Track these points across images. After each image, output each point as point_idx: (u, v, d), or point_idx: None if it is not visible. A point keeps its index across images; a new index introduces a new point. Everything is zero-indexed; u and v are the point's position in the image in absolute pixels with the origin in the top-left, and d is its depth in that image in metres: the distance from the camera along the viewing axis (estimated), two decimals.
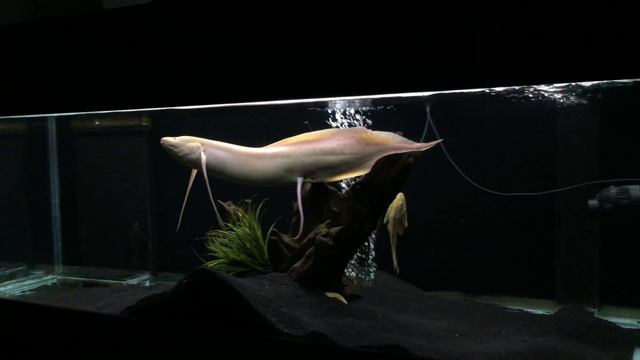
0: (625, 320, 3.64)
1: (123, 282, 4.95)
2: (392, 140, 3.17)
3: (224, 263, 3.56)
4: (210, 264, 3.55)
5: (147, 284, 5.14)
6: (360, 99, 3.94)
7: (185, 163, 3.32)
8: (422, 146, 3.14)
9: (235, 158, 3.26)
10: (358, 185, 3.28)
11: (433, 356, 2.65)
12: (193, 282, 3.01)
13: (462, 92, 3.64)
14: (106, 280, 4.99)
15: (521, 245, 4.13)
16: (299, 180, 3.22)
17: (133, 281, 5.05)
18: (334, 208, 3.27)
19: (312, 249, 3.42)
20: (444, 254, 4.38)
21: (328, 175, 3.24)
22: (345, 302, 3.44)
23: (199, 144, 3.26)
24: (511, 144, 4.11)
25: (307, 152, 3.20)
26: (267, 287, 3.34)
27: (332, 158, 3.19)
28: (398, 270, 4.30)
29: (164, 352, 2.99)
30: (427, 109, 4.03)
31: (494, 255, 4.21)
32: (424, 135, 4.03)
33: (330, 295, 3.42)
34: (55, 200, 5.58)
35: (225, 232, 3.56)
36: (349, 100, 3.99)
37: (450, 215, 4.33)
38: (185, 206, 3.50)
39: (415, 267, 4.40)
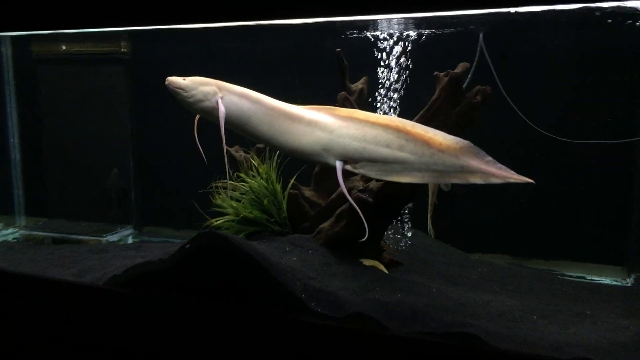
0: None
1: (101, 238, 4.21)
2: (470, 153, 2.29)
3: (233, 221, 2.88)
4: (217, 222, 2.88)
5: (130, 240, 4.46)
6: (401, 20, 3.18)
7: (195, 111, 2.56)
8: (515, 178, 2.24)
9: (264, 113, 2.48)
10: None
11: (518, 348, 2.02)
12: (198, 248, 2.35)
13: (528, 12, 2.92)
14: (80, 237, 4.21)
15: (584, 202, 3.48)
16: (338, 165, 2.44)
17: (113, 237, 4.30)
18: None
19: (345, 206, 2.75)
20: (489, 211, 3.73)
21: (374, 171, 2.44)
22: (386, 271, 2.80)
23: (215, 89, 2.48)
24: (583, 83, 3.39)
25: (356, 134, 2.42)
26: (289, 252, 2.68)
27: (384, 151, 2.39)
28: (433, 234, 3.62)
29: (161, 333, 2.35)
30: (480, 36, 3.29)
31: (549, 213, 3.57)
32: (472, 68, 3.29)
33: (368, 263, 2.78)
34: (14, 140, 4.76)
35: (235, 183, 2.86)
36: (387, 23, 3.23)
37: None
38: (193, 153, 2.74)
39: (453, 225, 3.76)
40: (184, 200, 4.48)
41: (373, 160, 2.41)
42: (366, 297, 2.43)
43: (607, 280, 3.36)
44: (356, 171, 2.45)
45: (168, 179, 4.63)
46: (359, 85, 3.16)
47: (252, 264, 2.30)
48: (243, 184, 2.86)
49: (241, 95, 2.49)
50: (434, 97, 2.50)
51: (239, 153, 3.15)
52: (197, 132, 2.59)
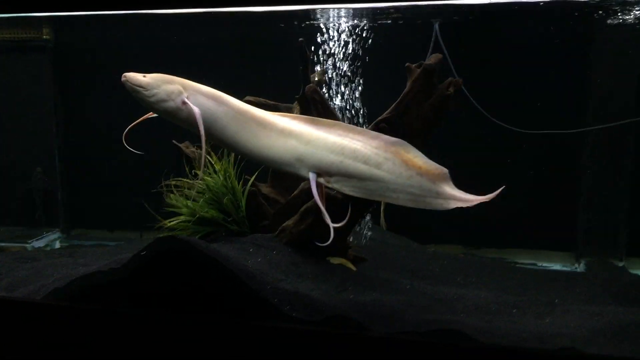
0: None
1: (26, 244, 3.88)
2: (447, 180, 2.22)
3: (188, 221, 2.67)
4: (171, 223, 2.64)
5: (58, 244, 4.14)
6: (357, 9, 3.08)
7: (156, 112, 2.30)
8: (486, 198, 2.20)
9: (231, 116, 2.26)
10: (383, 123, 2.44)
11: (504, 342, 1.98)
12: (158, 254, 2.13)
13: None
14: (1, 244, 3.89)
15: (533, 190, 3.55)
16: (312, 177, 2.27)
17: (39, 243, 4.01)
18: None
19: (310, 203, 2.61)
20: None
21: (349, 187, 2.29)
22: (354, 268, 2.70)
23: (180, 88, 2.23)
24: (533, 72, 3.44)
25: (334, 147, 2.25)
26: (254, 254, 2.51)
27: (362, 167, 2.26)
28: (385, 226, 3.57)
29: (119, 353, 2.11)
30: (436, 26, 3.25)
31: (498, 202, 3.60)
32: (428, 54, 3.25)
33: (335, 261, 2.67)
34: None
35: (190, 181, 2.64)
36: (343, 11, 3.12)
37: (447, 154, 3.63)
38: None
39: (405, 217, 3.72)
40: (119, 200, 4.18)
41: (349, 176, 2.26)
42: (341, 297, 2.31)
43: (557, 267, 3.46)
44: (329, 185, 2.30)
45: (100, 178, 4.29)
46: (317, 76, 3.02)
47: (218, 269, 2.12)
48: (199, 181, 2.64)
49: (208, 96, 2.26)
50: (406, 89, 2.41)
51: (189, 149, 2.92)
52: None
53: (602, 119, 3.21)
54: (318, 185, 2.28)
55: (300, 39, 2.70)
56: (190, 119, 2.23)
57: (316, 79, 3.01)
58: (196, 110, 2.17)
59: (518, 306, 2.42)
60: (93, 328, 2.15)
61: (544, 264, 3.49)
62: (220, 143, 2.37)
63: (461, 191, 2.21)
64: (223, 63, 3.83)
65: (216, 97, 2.27)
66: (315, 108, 2.44)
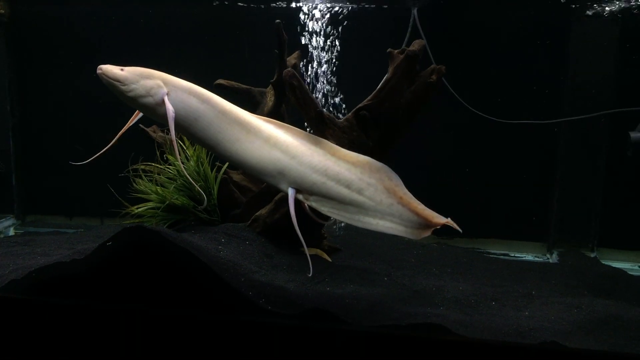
0: (624, 265, 3.24)
1: None
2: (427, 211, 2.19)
3: (156, 208, 2.53)
4: (138, 209, 2.51)
5: (12, 231, 3.97)
6: None
7: (134, 106, 2.16)
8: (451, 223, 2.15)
9: (214, 115, 2.13)
10: (363, 111, 2.35)
11: (485, 336, 1.94)
12: (125, 245, 2.00)
13: None
14: None
15: (506, 180, 3.54)
16: (291, 193, 2.19)
17: None
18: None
19: None
20: (412, 191, 3.67)
21: (327, 207, 2.23)
22: (329, 259, 2.63)
23: (160, 83, 2.08)
24: (510, 61, 3.41)
25: (318, 166, 2.19)
26: (226, 244, 2.41)
27: (343, 191, 2.20)
28: None
29: (83, 351, 1.98)
30: (414, 11, 3.18)
31: (471, 192, 3.59)
32: (405, 41, 3.17)
33: (310, 252, 2.57)
34: None
35: (161, 166, 2.50)
36: None
37: (421, 144, 3.58)
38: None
39: None
40: (78, 185, 3.98)
41: (329, 197, 2.21)
42: (317, 290, 2.24)
43: (529, 257, 3.46)
44: (307, 203, 2.22)
45: (59, 161, 4.06)
46: (291, 60, 2.91)
47: (191, 261, 2.01)
48: (169, 167, 2.51)
49: (190, 92, 2.12)
50: (388, 76, 2.32)
51: (157, 134, 2.77)
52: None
53: (578, 111, 3.20)
54: (296, 201, 2.20)
55: (277, 20, 2.58)
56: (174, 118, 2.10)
57: (292, 62, 2.90)
58: (170, 110, 2.04)
59: (496, 298, 2.39)
60: (54, 323, 2.01)
61: (517, 254, 3.49)
62: (200, 143, 2.25)
63: (436, 216, 2.17)
64: (195, 43, 3.67)
65: (198, 94, 2.13)
66: (294, 94, 2.33)
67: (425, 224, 2.15)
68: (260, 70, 3.19)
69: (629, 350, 1.89)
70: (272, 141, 2.16)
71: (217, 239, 2.43)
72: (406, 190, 2.20)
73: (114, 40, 3.76)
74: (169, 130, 2.12)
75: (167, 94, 2.05)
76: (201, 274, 2.00)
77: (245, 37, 3.63)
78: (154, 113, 2.10)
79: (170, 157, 2.56)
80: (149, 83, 2.05)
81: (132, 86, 2.04)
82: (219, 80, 2.97)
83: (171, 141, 2.04)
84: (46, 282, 2.06)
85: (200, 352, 1.91)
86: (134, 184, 2.57)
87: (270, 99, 2.97)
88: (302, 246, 2.24)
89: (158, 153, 2.38)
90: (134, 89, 2.04)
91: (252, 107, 3.00)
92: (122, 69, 2.06)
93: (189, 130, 2.14)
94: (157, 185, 2.52)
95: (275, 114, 2.95)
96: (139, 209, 2.52)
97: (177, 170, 2.50)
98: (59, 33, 3.88)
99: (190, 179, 2.27)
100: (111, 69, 2.05)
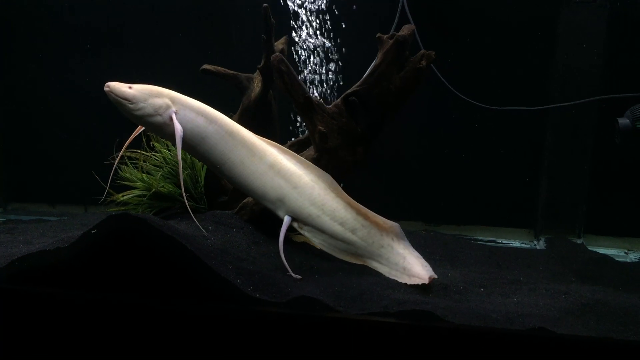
0: (610, 251, 3.27)
1: None
2: (416, 259, 2.37)
3: (142, 196, 2.50)
4: (124, 197, 2.46)
5: None
6: None
7: (141, 124, 2.13)
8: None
9: (221, 136, 2.13)
10: (352, 97, 2.32)
11: (473, 322, 1.94)
12: (110, 233, 1.97)
13: None
14: None
15: (493, 167, 3.54)
16: (286, 220, 2.24)
17: None
18: (320, 127, 2.31)
19: None
20: (401, 178, 3.67)
21: (319, 240, 2.30)
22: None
23: (168, 102, 2.05)
24: (499, 47, 3.39)
25: (317, 200, 2.24)
26: (213, 232, 2.38)
27: (337, 227, 2.28)
28: None
29: (68, 341, 1.95)
30: None
31: (459, 179, 3.59)
32: (395, 23, 3.14)
33: (298, 239, 2.56)
34: None
35: (146, 153, 2.46)
36: None
37: (410, 133, 3.56)
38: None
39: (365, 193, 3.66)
40: (61, 172, 3.92)
41: (322, 231, 2.29)
42: (307, 277, 2.22)
43: (516, 244, 3.47)
44: (300, 231, 2.31)
45: (42, 147, 4.00)
46: (279, 45, 2.87)
47: (178, 249, 1.98)
48: (155, 153, 2.47)
49: (198, 112, 2.11)
50: (377, 61, 2.29)
51: None
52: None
53: (566, 98, 3.20)
54: (289, 228, 2.27)
55: (265, 4, 2.54)
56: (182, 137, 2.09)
57: (280, 47, 2.85)
58: (179, 130, 2.03)
59: (484, 285, 2.39)
60: (38, 313, 1.97)
61: (504, 241, 3.50)
62: (205, 161, 2.28)
63: (424, 265, 2.33)
64: (182, 27, 3.60)
65: (206, 114, 2.13)
66: (282, 79, 2.29)
67: (417, 278, 2.26)
68: (247, 56, 3.15)
69: (616, 335, 1.90)
70: (277, 168, 2.20)
71: (204, 226, 2.39)
72: (405, 242, 2.38)
73: (98, 27, 3.69)
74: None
75: (175, 113, 2.03)
76: (188, 262, 1.97)
77: (232, 22, 3.57)
78: (162, 131, 2.10)
79: (157, 144, 2.51)
80: (158, 102, 2.03)
81: (141, 104, 2.01)
82: (206, 65, 2.92)
83: (178, 159, 2.05)
84: (30, 271, 2.02)
85: (188, 340, 1.89)
86: (119, 172, 2.52)
87: (257, 84, 2.93)
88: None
89: (144, 140, 2.34)
90: (142, 108, 2.02)
91: (239, 93, 2.96)
92: (130, 87, 2.03)
93: (195, 149, 2.16)
94: (143, 172, 2.48)
95: (262, 100, 2.91)
96: (125, 197, 2.48)
97: (164, 158, 2.45)
98: (42, 18, 3.80)
99: (180, 168, 2.26)
100: (119, 87, 2.02)
